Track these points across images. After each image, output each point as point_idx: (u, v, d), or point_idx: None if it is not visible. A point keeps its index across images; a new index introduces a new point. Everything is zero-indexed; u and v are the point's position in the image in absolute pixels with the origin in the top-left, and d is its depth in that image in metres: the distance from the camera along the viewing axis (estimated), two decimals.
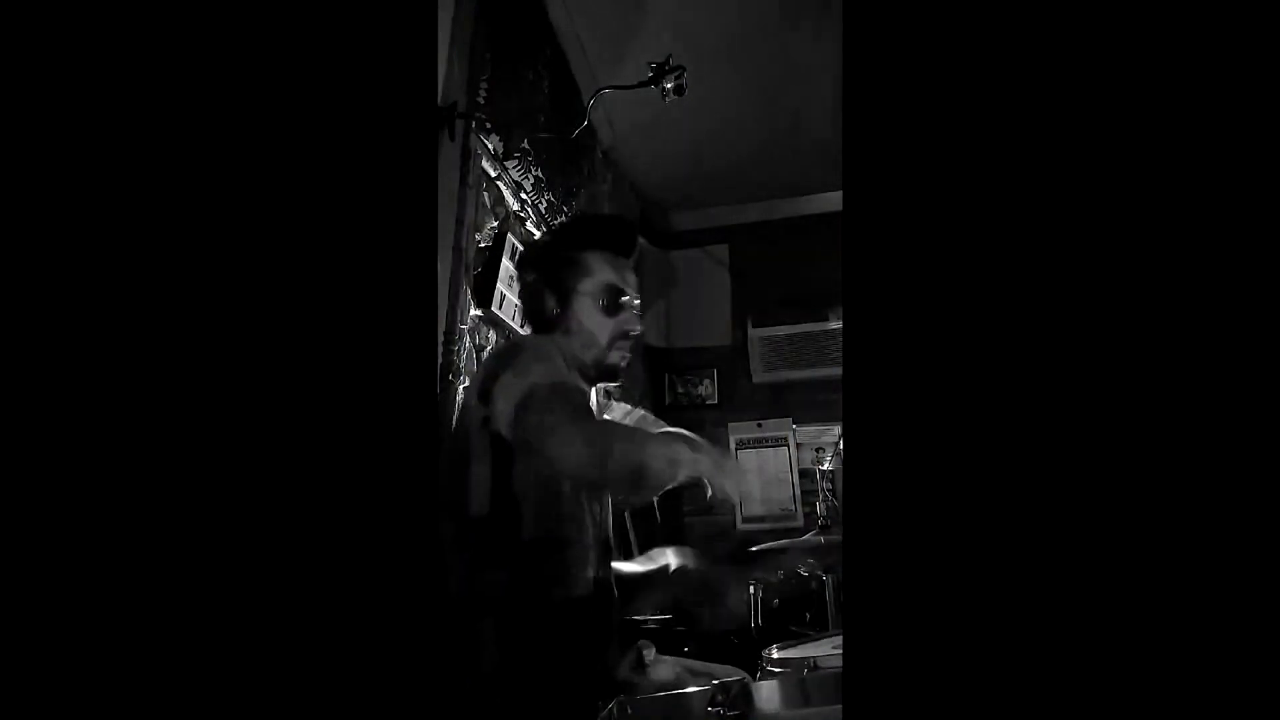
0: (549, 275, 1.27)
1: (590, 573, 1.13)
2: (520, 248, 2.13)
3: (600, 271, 1.26)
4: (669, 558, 1.37)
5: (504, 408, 1.05)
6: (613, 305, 1.25)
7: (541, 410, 1.01)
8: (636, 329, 1.27)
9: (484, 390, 1.11)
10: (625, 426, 1.27)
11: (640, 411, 1.43)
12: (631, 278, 1.29)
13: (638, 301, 1.28)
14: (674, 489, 1.07)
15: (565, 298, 1.25)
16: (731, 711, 0.79)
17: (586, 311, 1.24)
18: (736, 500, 1.21)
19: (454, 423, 1.33)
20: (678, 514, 3.62)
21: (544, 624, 1.04)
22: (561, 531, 1.11)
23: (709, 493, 1.08)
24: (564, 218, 2.55)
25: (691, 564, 1.35)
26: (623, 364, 1.28)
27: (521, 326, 1.41)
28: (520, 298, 1.38)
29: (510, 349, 1.24)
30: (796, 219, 3.81)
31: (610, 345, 1.25)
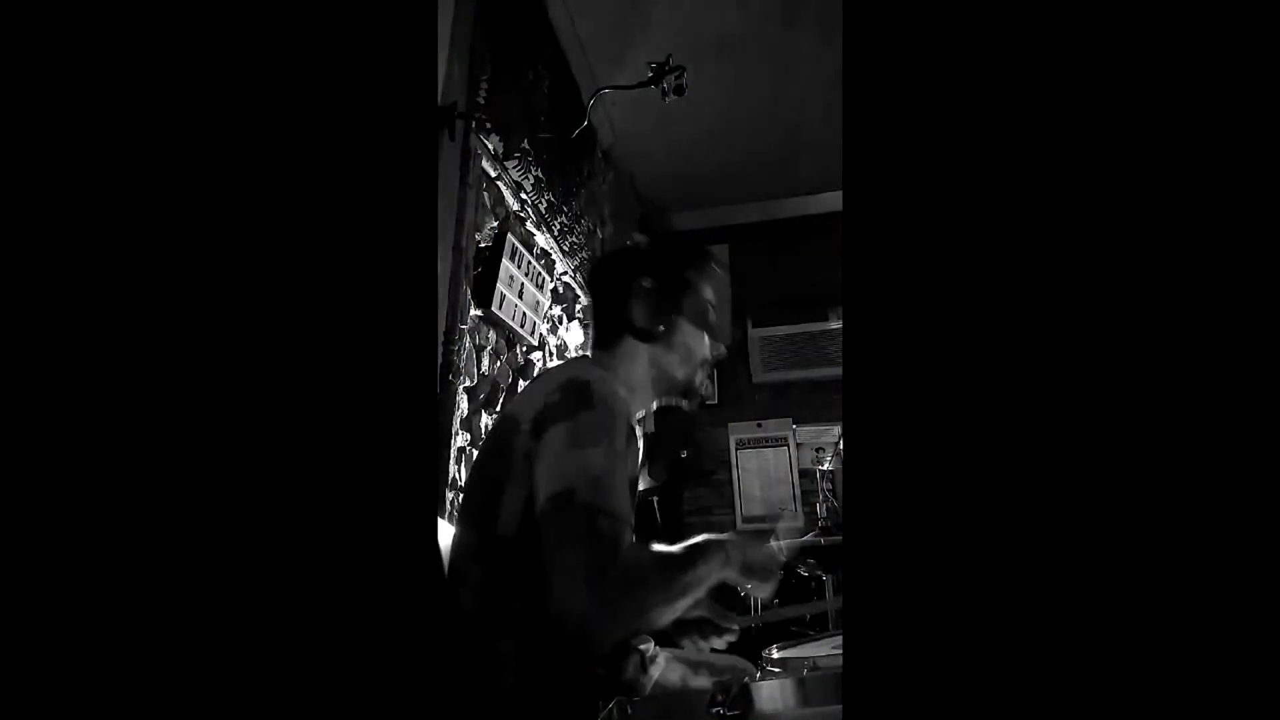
0: (662, 283, 1.23)
1: None
2: (521, 248, 2.13)
3: (704, 290, 1.26)
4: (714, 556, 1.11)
5: (543, 486, 0.96)
6: (710, 326, 1.25)
7: (572, 542, 0.90)
8: (723, 351, 1.28)
9: (538, 425, 1.02)
10: (650, 563, 1.00)
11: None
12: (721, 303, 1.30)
13: (725, 325, 1.28)
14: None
15: (672, 311, 1.23)
16: (731, 711, 0.79)
17: (691, 329, 1.24)
18: (766, 593, 1.16)
19: (491, 428, 1.24)
20: (678, 513, 3.62)
21: (559, 646, 1.01)
22: None
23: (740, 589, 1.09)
24: (564, 218, 2.55)
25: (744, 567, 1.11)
26: (703, 387, 1.29)
27: (599, 327, 1.28)
28: (609, 301, 1.26)
29: (578, 389, 1.05)
30: (796, 219, 3.82)
31: (703, 365, 1.26)
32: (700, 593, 0.98)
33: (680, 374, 1.24)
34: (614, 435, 1.01)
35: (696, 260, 1.29)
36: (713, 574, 0.99)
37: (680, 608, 0.96)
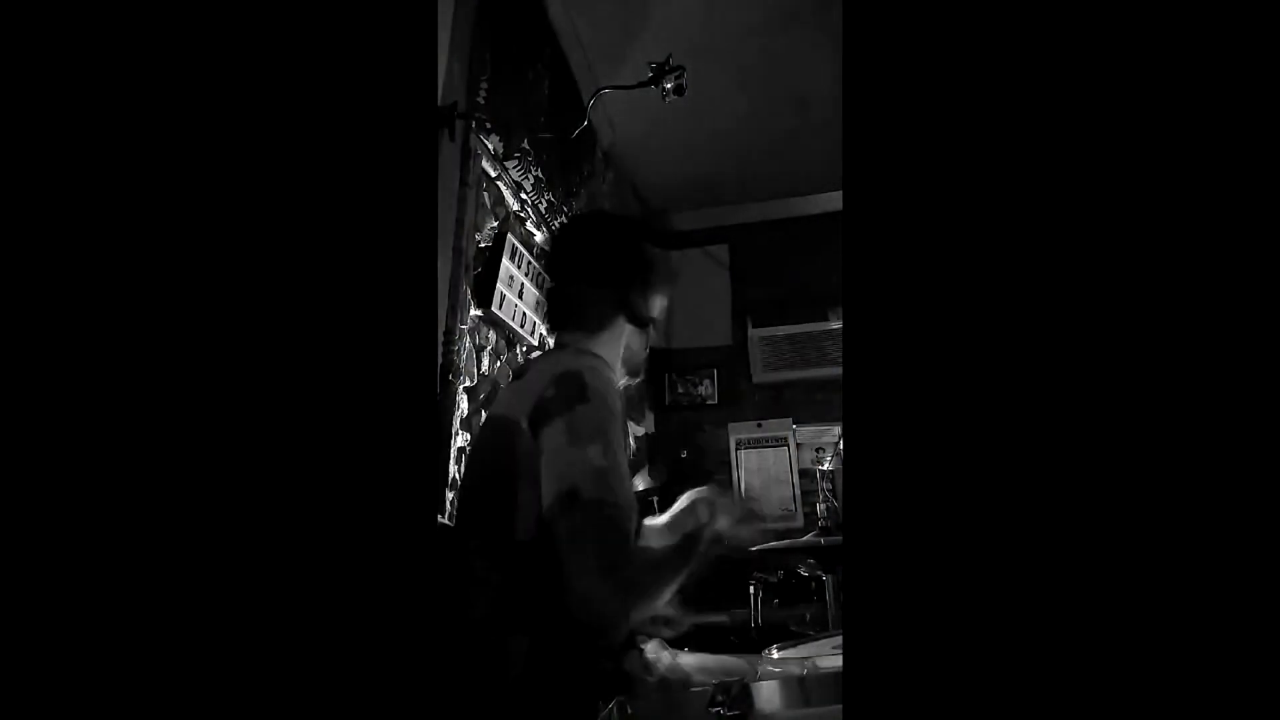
0: (654, 269, 1.26)
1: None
2: (521, 248, 2.13)
3: (661, 285, 1.28)
4: (702, 512, 1.25)
5: (548, 485, 0.98)
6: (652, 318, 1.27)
7: (583, 539, 0.94)
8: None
9: (534, 422, 1.02)
10: (656, 555, 1.11)
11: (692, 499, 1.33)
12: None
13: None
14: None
15: (656, 294, 1.26)
16: (731, 711, 0.79)
17: (660, 310, 1.27)
18: (749, 540, 1.20)
19: (485, 430, 1.22)
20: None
21: (570, 641, 1.02)
22: None
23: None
24: (565, 218, 2.55)
25: (722, 512, 1.18)
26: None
27: (589, 309, 1.25)
28: (604, 283, 1.24)
29: (572, 382, 1.05)
30: (796, 219, 3.81)
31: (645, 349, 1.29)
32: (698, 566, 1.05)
33: (644, 354, 1.30)
34: (611, 427, 1.03)
35: (644, 239, 1.32)
36: (708, 546, 1.06)
37: (681, 581, 1.02)
